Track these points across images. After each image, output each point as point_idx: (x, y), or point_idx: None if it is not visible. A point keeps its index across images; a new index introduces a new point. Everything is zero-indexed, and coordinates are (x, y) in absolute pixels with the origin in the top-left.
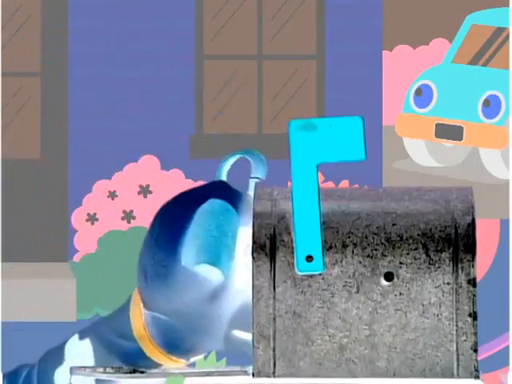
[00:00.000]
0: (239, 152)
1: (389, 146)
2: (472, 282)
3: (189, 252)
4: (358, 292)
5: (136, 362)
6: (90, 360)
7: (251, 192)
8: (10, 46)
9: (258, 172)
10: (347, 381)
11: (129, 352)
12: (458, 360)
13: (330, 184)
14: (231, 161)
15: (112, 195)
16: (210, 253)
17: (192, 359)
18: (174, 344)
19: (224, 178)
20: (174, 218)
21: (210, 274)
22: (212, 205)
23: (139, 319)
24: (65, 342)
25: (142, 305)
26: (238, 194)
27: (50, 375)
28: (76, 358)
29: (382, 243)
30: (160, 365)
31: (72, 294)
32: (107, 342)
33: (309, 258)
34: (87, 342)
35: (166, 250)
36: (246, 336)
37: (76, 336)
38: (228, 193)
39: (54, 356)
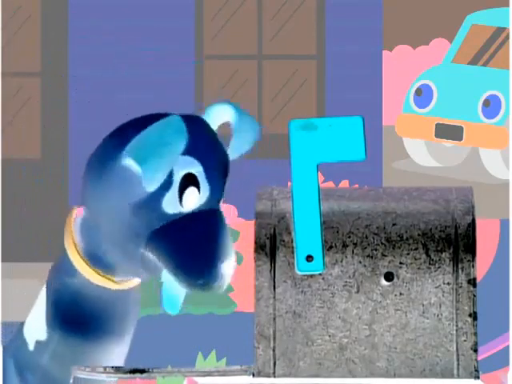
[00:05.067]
0: (228, 103)
1: (389, 146)
2: (472, 282)
3: (128, 149)
4: (358, 292)
5: (72, 276)
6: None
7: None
8: (10, 45)
9: (243, 137)
10: (347, 381)
11: (65, 268)
12: (458, 360)
13: (330, 184)
14: (219, 110)
15: None
16: (139, 151)
17: (120, 281)
18: (97, 255)
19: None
20: (134, 123)
21: (131, 168)
22: (168, 118)
23: (70, 230)
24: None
25: (73, 216)
26: (209, 128)
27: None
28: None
29: (382, 243)
30: (95, 286)
31: None
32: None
33: (309, 258)
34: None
35: (114, 146)
36: (154, 259)
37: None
38: (197, 121)
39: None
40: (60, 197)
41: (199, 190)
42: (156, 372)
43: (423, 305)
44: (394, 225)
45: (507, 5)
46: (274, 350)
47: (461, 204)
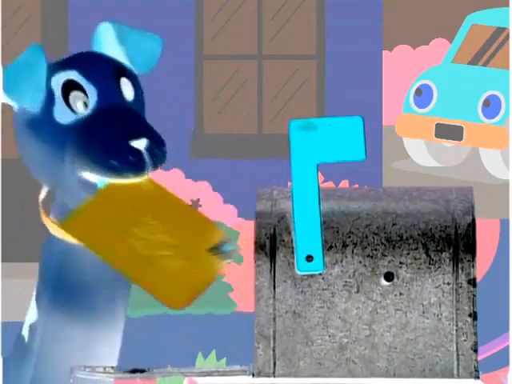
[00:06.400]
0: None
1: (389, 146)
2: (472, 282)
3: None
4: (358, 292)
5: (55, 243)
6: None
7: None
8: (10, 45)
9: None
10: (347, 381)
11: (51, 243)
12: (458, 360)
13: (330, 184)
14: (101, 33)
15: None
16: (6, 85)
17: None
18: (64, 212)
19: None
20: None
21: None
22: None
23: (45, 216)
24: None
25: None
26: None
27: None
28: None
29: (382, 243)
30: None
31: None
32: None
33: (309, 258)
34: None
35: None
36: (93, 178)
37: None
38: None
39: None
40: None
41: (85, 93)
42: (156, 372)
43: (423, 305)
44: (394, 225)
45: (507, 5)
46: (274, 350)
47: (461, 204)
